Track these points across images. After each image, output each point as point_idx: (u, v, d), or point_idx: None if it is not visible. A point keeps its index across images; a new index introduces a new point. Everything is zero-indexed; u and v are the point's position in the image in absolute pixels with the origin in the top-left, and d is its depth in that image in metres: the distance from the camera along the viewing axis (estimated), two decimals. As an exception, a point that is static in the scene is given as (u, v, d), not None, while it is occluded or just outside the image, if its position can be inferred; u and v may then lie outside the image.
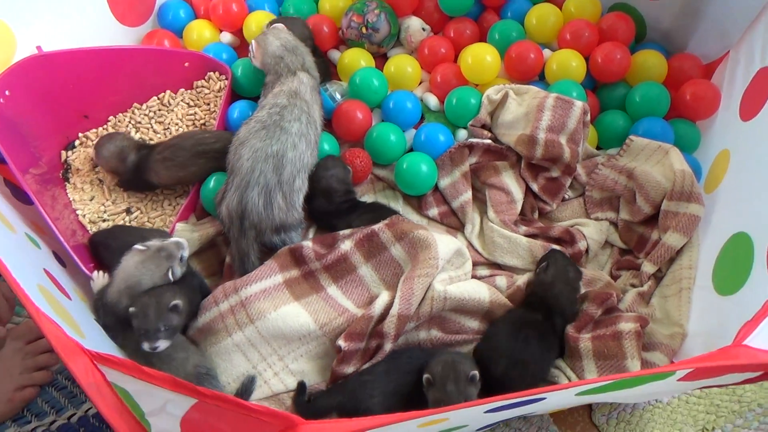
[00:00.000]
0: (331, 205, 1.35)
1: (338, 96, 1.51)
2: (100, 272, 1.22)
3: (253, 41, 1.41)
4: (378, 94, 1.49)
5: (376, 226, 1.26)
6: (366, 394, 1.10)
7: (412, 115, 1.48)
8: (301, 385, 1.16)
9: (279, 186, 1.24)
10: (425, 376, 1.07)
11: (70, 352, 0.70)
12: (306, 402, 1.15)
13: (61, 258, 1.25)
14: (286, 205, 1.26)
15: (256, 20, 1.61)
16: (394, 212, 1.36)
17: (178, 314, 1.10)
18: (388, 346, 1.15)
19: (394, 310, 1.14)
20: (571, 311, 1.22)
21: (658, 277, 1.33)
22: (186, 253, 1.17)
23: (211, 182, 1.37)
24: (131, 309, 1.08)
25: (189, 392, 0.69)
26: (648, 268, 1.31)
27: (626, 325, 1.16)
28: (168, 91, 1.55)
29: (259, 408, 0.67)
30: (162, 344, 1.07)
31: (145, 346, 1.05)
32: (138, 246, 1.14)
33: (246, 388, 1.14)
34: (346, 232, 1.29)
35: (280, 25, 1.43)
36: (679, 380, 0.84)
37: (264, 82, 1.40)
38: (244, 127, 1.28)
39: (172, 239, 1.17)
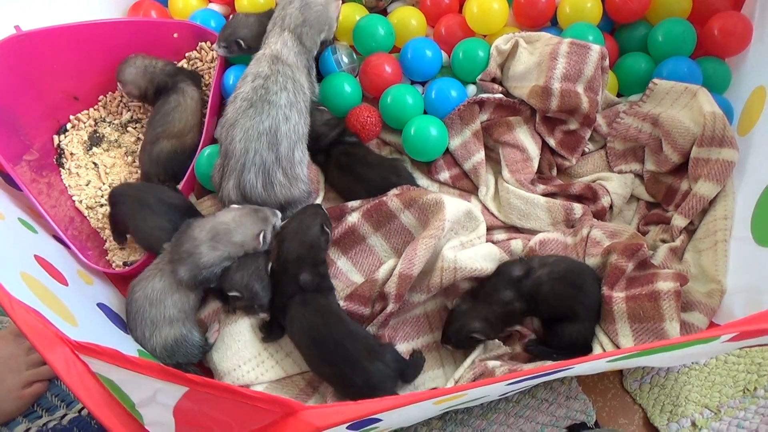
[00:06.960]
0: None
1: (345, 59, 1.41)
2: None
3: None
4: (386, 43, 1.40)
5: (385, 196, 1.22)
6: None
7: (432, 64, 1.38)
8: None
9: (277, 162, 1.18)
10: None
11: (48, 342, 0.64)
12: None
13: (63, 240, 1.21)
14: (288, 180, 1.20)
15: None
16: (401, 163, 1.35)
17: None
18: (390, 307, 1.12)
19: (396, 270, 1.11)
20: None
21: (690, 230, 1.24)
22: (278, 224, 1.16)
23: (206, 154, 1.30)
24: (232, 293, 1.11)
25: (178, 380, 0.63)
26: (679, 221, 1.22)
27: (664, 285, 1.07)
28: (159, 65, 1.47)
29: (255, 394, 0.61)
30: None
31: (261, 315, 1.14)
32: (235, 205, 1.16)
33: None
34: (354, 203, 1.25)
35: None
36: (723, 342, 0.76)
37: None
38: (231, 106, 1.21)
39: (269, 208, 1.17)
